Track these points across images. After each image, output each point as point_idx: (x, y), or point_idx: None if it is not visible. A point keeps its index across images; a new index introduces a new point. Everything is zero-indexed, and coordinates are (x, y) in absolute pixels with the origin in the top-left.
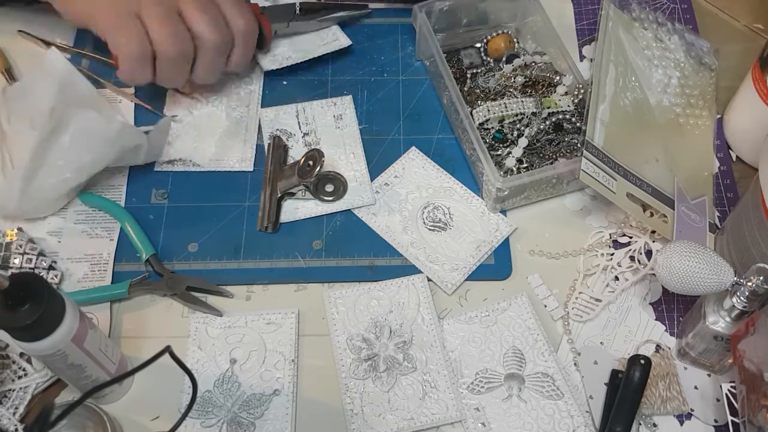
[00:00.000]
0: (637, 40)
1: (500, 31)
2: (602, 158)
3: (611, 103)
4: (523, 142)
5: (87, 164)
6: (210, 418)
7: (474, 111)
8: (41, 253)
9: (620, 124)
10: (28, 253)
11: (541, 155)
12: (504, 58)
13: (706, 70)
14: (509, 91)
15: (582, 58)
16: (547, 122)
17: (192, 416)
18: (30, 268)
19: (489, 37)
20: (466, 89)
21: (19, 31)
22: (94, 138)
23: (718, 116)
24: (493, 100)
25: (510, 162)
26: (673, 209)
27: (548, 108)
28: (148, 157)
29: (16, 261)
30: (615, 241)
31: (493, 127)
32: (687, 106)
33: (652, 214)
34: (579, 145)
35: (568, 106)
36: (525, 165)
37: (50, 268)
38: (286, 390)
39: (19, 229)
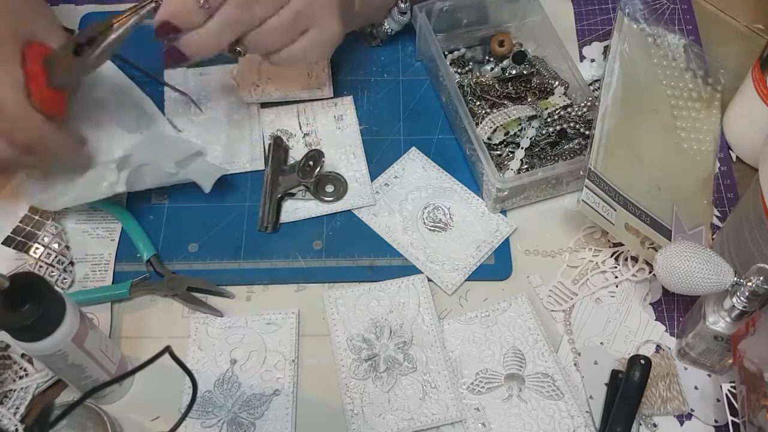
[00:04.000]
0: (649, 58)
1: (501, 31)
2: (603, 187)
3: (618, 127)
4: (525, 142)
5: (139, 186)
6: (210, 419)
7: (479, 127)
8: (63, 252)
9: (625, 150)
10: (49, 247)
11: (542, 157)
12: (510, 56)
13: (713, 90)
14: (507, 98)
15: (582, 58)
16: (550, 129)
17: (192, 416)
18: (47, 263)
19: (490, 37)
20: (465, 85)
21: None
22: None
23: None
24: (496, 107)
25: (515, 164)
26: (670, 240)
27: (546, 109)
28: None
29: (45, 240)
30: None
31: (501, 142)
32: (692, 130)
33: (650, 247)
34: (581, 146)
35: (564, 102)
36: (525, 166)
37: (65, 269)
38: (286, 390)
39: (56, 214)
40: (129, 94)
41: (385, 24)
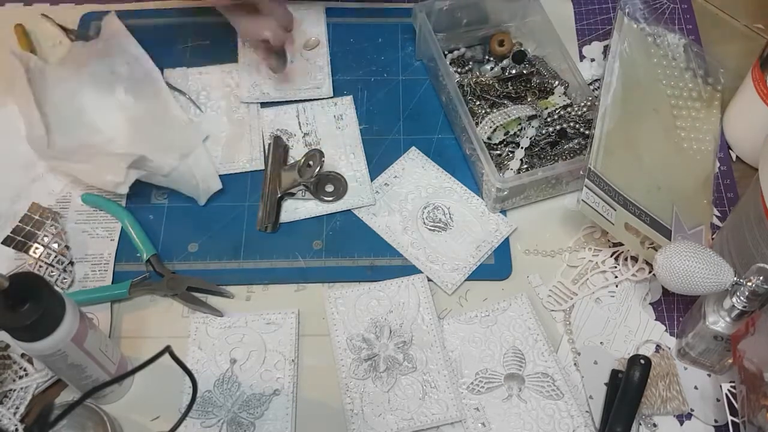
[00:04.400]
0: (649, 57)
1: (501, 31)
2: (603, 187)
3: (618, 127)
4: (525, 142)
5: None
6: (210, 418)
7: (479, 127)
8: (62, 252)
9: (625, 150)
10: (49, 247)
11: (542, 157)
12: (510, 56)
13: (713, 90)
14: (507, 98)
15: (582, 58)
16: (550, 129)
17: (192, 416)
18: (47, 263)
19: (490, 37)
20: (465, 85)
21: (42, 14)
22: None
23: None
24: (496, 107)
25: (515, 164)
26: (670, 240)
27: (546, 108)
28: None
29: (45, 240)
30: (610, 241)
31: (501, 142)
32: (692, 130)
33: (650, 247)
34: (581, 146)
35: (564, 102)
36: (525, 166)
37: (65, 269)
38: (286, 390)
39: (56, 214)
40: (149, 74)
41: None
